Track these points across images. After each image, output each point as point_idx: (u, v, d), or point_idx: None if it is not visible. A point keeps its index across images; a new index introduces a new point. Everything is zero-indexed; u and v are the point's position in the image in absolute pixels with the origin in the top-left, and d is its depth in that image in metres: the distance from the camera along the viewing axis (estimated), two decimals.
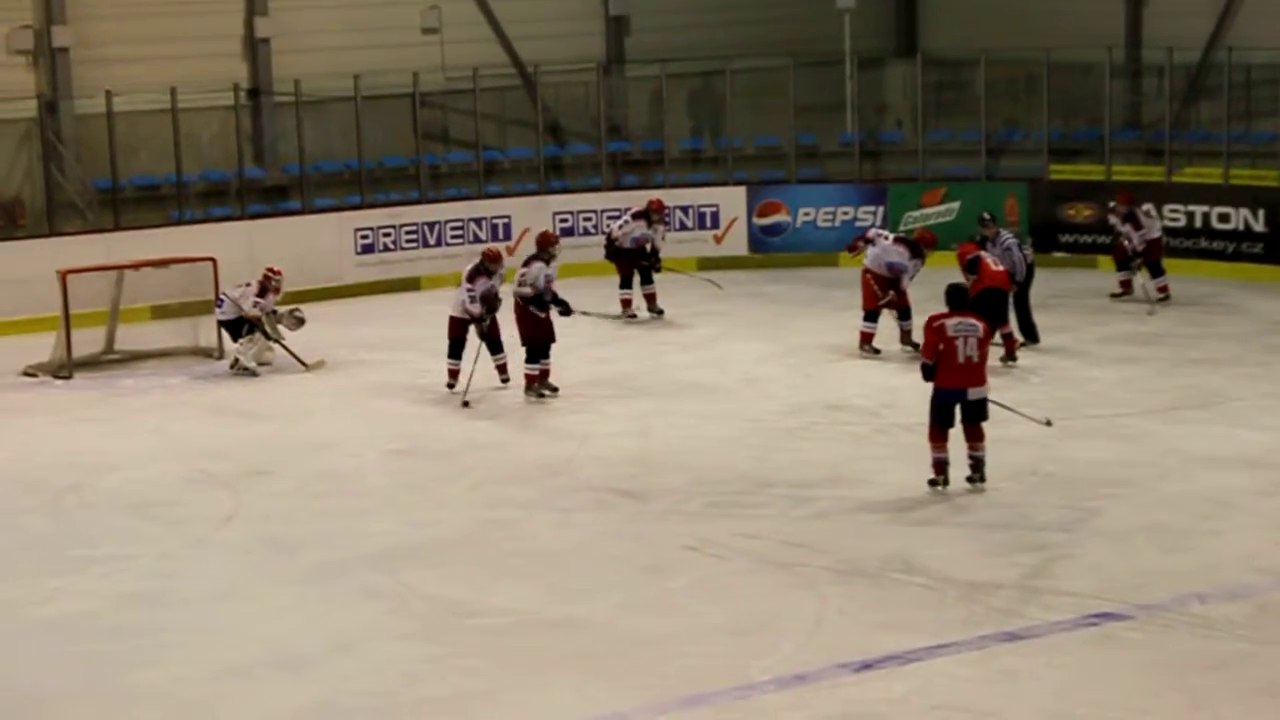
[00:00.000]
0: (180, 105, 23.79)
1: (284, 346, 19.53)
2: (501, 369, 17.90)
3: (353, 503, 14.38)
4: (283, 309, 19.69)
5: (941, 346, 13.81)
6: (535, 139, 26.49)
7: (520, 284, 17.71)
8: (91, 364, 19.96)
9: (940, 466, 14.01)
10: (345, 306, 22.97)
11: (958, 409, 13.92)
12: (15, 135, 24.25)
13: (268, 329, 19.48)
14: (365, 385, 18.46)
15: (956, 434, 14.02)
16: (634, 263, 21.81)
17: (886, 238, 19.77)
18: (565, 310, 17.83)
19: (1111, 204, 22.17)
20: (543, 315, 17.63)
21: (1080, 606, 11.31)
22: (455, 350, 17.91)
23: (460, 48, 26.47)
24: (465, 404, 17.34)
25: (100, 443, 16.75)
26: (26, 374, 19.63)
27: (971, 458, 14.07)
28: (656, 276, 21.86)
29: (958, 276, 18.61)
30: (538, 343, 17.64)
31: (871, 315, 19.27)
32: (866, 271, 19.35)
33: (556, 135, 27.55)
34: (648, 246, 21.79)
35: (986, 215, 19.80)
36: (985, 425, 14.01)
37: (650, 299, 21.84)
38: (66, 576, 12.68)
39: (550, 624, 11.35)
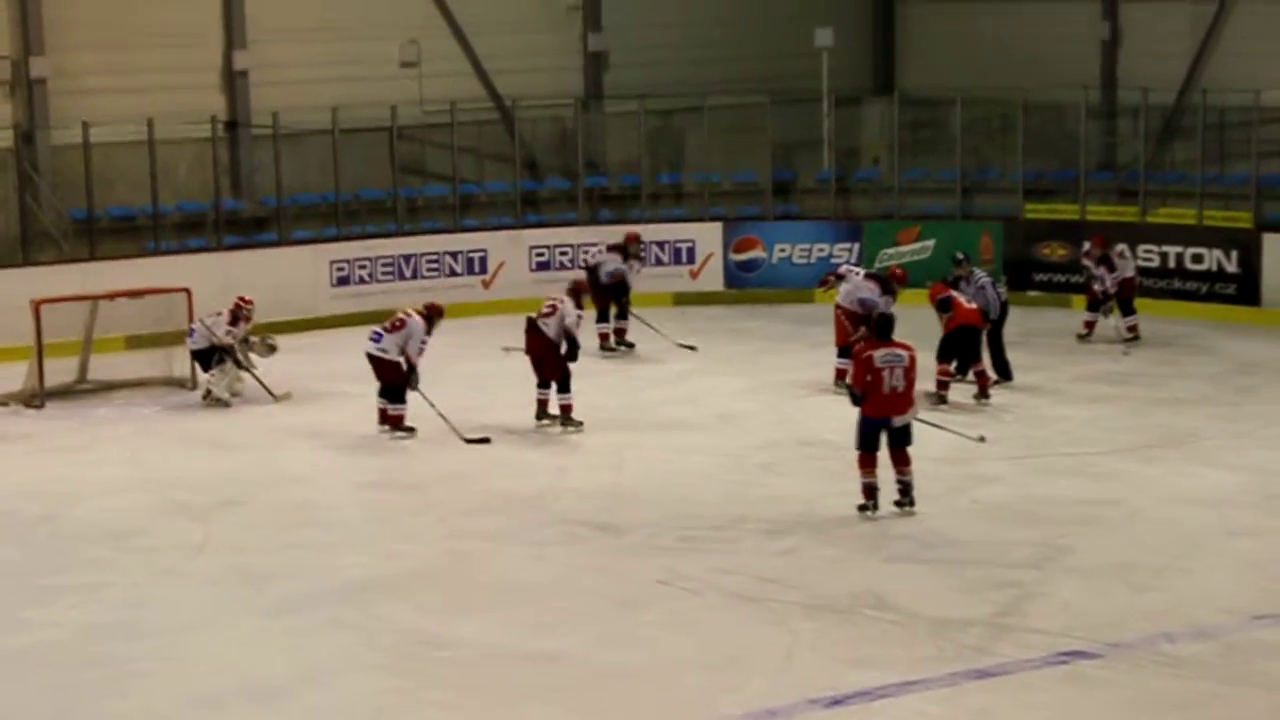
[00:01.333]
0: (157, 137, 23.79)
1: (255, 376, 19.53)
2: (400, 419, 17.74)
3: (323, 534, 14.36)
4: (255, 337, 19.69)
5: (869, 377, 14.14)
6: (512, 173, 26.53)
7: (578, 324, 17.99)
8: (64, 393, 19.90)
9: (869, 491, 14.32)
10: (320, 338, 22.94)
11: (884, 435, 14.24)
12: None
13: (240, 357, 19.48)
14: (338, 417, 18.42)
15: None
16: (612, 297, 21.85)
17: (858, 273, 19.83)
18: (574, 355, 17.91)
19: (1086, 247, 22.28)
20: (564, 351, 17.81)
21: (1051, 644, 11.33)
22: (400, 395, 17.68)
23: (438, 82, 26.51)
24: (488, 439, 17.28)
25: (72, 472, 16.71)
26: None
27: (899, 482, 14.37)
28: (631, 313, 21.91)
29: (932, 315, 18.78)
30: (568, 375, 17.79)
31: (845, 351, 19.25)
32: (839, 308, 19.39)
33: (533, 170, 27.61)
34: (625, 281, 21.83)
35: (960, 255, 19.88)
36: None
37: (620, 333, 21.86)
38: (37, 606, 12.64)
39: (521, 657, 11.34)
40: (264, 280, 22.66)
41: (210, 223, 24.87)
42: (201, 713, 10.50)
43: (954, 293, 18.86)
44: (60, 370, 19.93)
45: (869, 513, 14.26)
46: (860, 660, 11.09)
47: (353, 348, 21.96)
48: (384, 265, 24.78)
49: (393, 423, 17.61)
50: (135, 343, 21.31)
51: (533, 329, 17.90)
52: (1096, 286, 21.76)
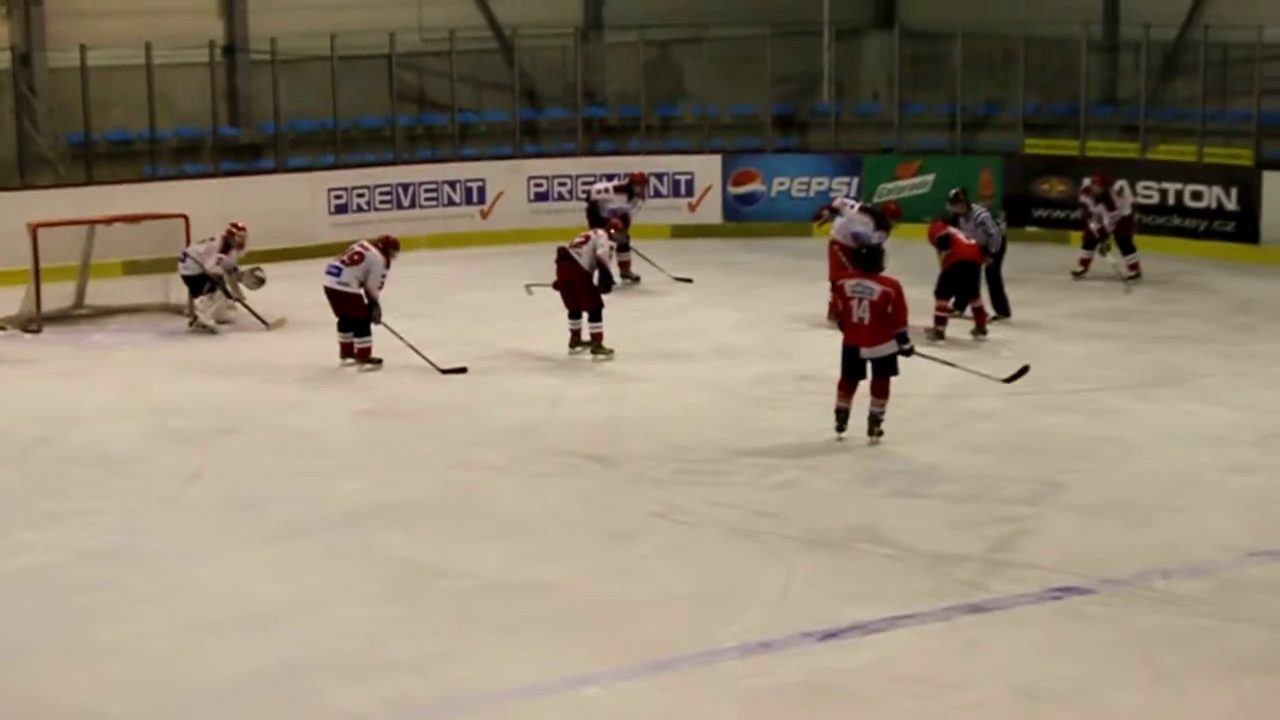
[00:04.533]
0: (155, 61, 23.70)
1: (245, 305, 19.51)
2: (368, 351, 17.64)
3: (321, 462, 14.36)
4: (244, 268, 19.64)
5: (841, 305, 14.60)
6: (511, 102, 26.44)
7: (610, 255, 18.09)
8: (61, 318, 19.91)
9: (838, 415, 14.57)
10: (317, 266, 22.72)
11: (869, 365, 14.45)
12: None
13: (228, 288, 19.45)
14: (335, 346, 18.39)
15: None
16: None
17: (853, 206, 19.80)
18: (608, 286, 18.12)
19: (1086, 184, 22.22)
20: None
21: (1045, 580, 11.34)
22: (365, 328, 17.57)
23: (438, 9, 26.42)
24: (464, 369, 17.22)
25: (68, 397, 16.71)
26: None
27: (870, 411, 14.55)
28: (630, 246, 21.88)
29: (930, 251, 18.77)
30: (601, 305, 17.88)
31: None
32: (833, 242, 19.36)
33: (532, 99, 27.50)
34: (626, 215, 21.79)
35: (955, 192, 19.81)
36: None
37: (624, 266, 21.82)
38: (34, 530, 12.64)
39: (517, 587, 11.35)
40: (262, 207, 22.63)
41: (208, 148, 24.81)
42: (197, 639, 10.51)
43: (952, 229, 18.82)
44: (58, 295, 19.93)
45: (838, 436, 14.51)
46: (855, 594, 11.10)
47: None
48: (382, 194, 24.74)
49: (360, 355, 17.55)
50: (133, 268, 21.30)
51: (565, 259, 17.91)
52: (1093, 225, 21.74)
